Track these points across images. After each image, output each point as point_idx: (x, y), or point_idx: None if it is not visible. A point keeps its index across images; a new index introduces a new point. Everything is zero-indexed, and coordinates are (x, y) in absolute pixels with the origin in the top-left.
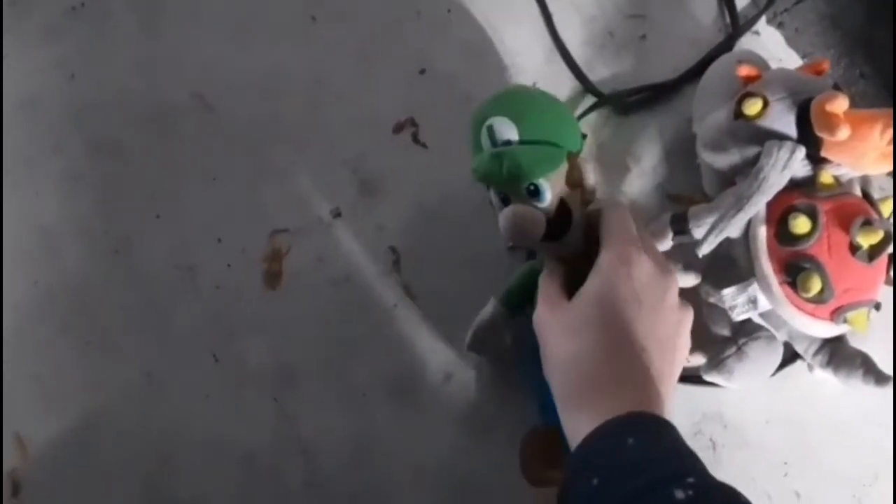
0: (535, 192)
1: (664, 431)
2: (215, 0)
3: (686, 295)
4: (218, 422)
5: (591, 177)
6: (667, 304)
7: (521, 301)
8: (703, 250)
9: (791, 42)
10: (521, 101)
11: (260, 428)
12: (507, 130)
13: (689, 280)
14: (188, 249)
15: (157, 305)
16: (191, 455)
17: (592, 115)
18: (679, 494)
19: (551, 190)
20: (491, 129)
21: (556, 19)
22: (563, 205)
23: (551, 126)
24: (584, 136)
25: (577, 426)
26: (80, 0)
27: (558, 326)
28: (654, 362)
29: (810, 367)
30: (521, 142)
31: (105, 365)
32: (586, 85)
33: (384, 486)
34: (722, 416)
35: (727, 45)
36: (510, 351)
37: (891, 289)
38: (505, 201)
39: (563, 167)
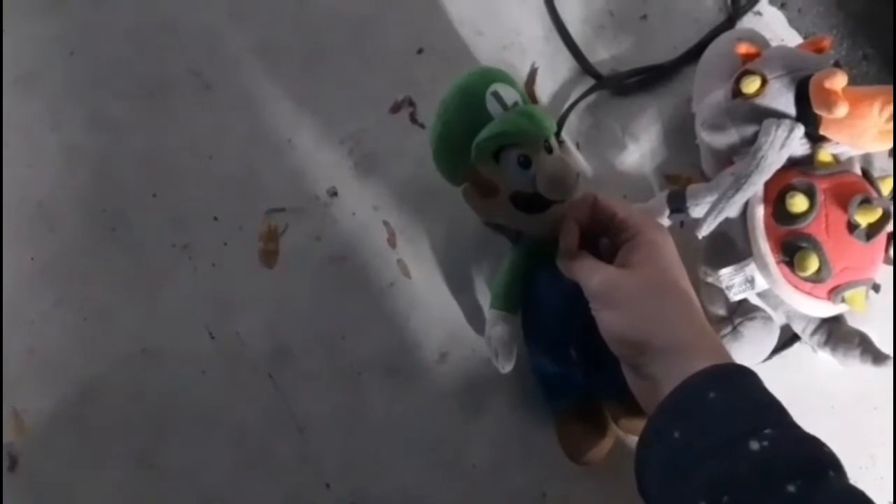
0: (549, 149)
1: (746, 383)
2: None
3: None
4: (213, 397)
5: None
6: None
7: (518, 295)
8: (703, 231)
9: (793, 23)
10: (501, 74)
11: (254, 404)
12: (512, 94)
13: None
14: (185, 227)
15: (153, 281)
16: (185, 430)
17: (592, 95)
18: (754, 446)
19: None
20: (497, 95)
21: None
22: None
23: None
24: None
25: (667, 375)
26: None
27: (636, 289)
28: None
29: (814, 349)
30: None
31: (101, 340)
32: (585, 66)
33: (377, 462)
34: None
35: (728, 25)
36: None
37: (890, 270)
38: (525, 164)
39: None
